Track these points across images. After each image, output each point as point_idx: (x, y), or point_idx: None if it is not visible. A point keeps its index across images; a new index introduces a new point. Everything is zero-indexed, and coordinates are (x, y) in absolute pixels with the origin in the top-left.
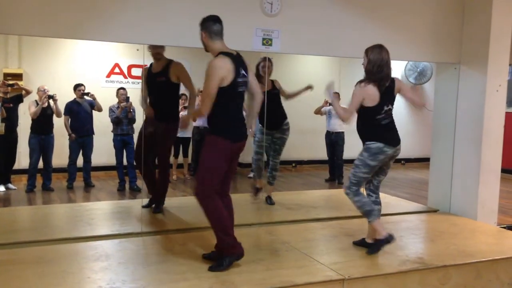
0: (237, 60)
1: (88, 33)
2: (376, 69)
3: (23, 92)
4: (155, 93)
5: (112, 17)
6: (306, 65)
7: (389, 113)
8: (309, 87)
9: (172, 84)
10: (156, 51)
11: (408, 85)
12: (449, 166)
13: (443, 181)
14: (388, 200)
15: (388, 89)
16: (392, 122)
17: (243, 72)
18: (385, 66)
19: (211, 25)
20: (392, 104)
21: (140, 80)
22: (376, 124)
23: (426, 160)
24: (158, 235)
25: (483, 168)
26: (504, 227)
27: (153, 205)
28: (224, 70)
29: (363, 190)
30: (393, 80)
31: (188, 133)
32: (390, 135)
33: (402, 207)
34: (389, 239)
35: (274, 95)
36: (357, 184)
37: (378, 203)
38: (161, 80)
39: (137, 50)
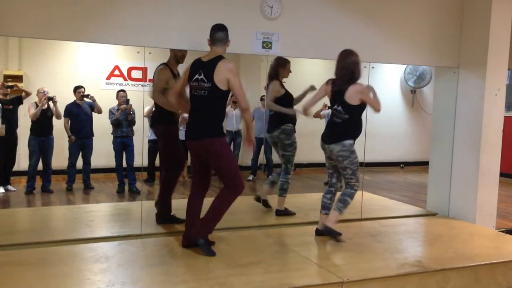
0: (199, 65)
1: (89, 36)
2: (342, 72)
3: (23, 93)
4: None
5: (113, 20)
6: (306, 68)
7: (339, 114)
8: (312, 88)
9: None
10: (182, 53)
11: (367, 90)
12: (448, 170)
13: (442, 185)
14: (387, 204)
15: (339, 90)
16: (339, 123)
17: (199, 76)
18: (344, 69)
19: (212, 33)
20: (343, 107)
21: (141, 82)
22: (331, 117)
23: (424, 163)
24: (158, 237)
25: (482, 172)
26: (502, 231)
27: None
28: (185, 74)
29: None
30: (350, 85)
31: None
32: (325, 131)
33: (400, 210)
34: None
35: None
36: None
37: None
38: None
39: (138, 52)
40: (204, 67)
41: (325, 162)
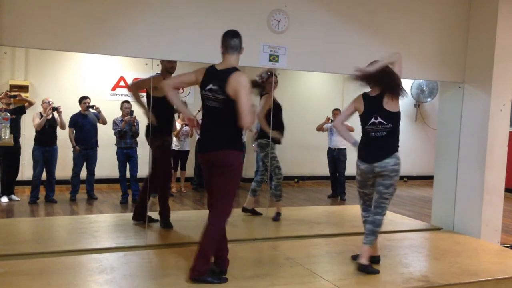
0: (214, 74)
1: (97, 47)
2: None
3: (26, 103)
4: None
5: (122, 31)
6: (310, 80)
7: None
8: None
9: None
10: (172, 65)
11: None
12: (453, 185)
13: (447, 199)
14: (392, 218)
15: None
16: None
17: (213, 87)
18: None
19: (225, 39)
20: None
21: (145, 94)
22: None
23: (428, 177)
24: (163, 249)
25: (486, 187)
26: (507, 247)
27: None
28: (197, 77)
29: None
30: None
31: (186, 147)
32: (364, 150)
33: (405, 224)
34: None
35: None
36: (359, 199)
37: (367, 222)
38: None
39: (146, 64)
40: (218, 77)
41: (358, 185)
